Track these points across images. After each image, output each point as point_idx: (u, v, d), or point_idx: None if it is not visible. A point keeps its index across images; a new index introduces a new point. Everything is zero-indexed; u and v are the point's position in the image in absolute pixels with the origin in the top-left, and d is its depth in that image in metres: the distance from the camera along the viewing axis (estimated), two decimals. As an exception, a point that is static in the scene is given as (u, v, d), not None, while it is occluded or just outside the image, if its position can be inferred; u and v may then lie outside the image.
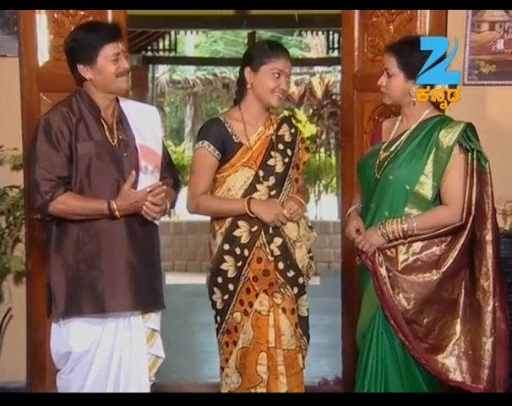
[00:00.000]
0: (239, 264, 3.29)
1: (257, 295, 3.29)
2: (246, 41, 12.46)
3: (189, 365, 5.34)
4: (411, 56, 3.09)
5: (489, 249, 3.11)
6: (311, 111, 13.48)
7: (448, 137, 3.09)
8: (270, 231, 3.29)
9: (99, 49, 3.03)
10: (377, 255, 3.13)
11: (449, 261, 3.10)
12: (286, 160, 3.37)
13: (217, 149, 3.30)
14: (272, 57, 3.29)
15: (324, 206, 13.31)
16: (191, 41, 19.34)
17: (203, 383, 4.86)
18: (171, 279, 9.06)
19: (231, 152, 3.31)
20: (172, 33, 11.62)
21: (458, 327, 3.13)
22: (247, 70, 3.32)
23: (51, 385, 4.02)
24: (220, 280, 3.33)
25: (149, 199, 3.06)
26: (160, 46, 11.79)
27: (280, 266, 3.29)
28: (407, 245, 3.12)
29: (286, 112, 11.51)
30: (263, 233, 3.28)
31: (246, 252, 3.28)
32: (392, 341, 3.14)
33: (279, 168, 3.34)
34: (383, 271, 3.11)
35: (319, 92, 13.37)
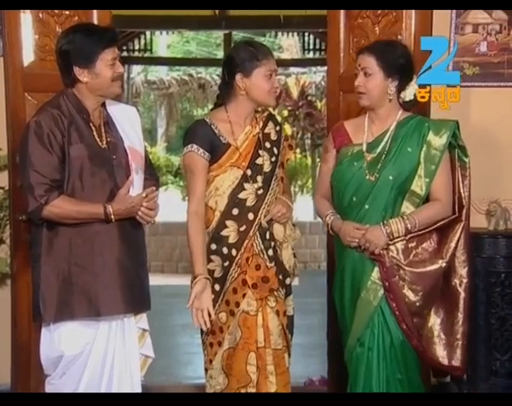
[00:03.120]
0: (226, 264, 3.28)
1: (244, 295, 3.28)
2: (219, 41, 12.39)
3: (173, 367, 5.32)
4: (388, 54, 3.19)
5: (462, 239, 3.23)
6: (286, 112, 13.47)
7: (439, 135, 3.17)
8: (267, 236, 3.28)
9: (99, 53, 3.02)
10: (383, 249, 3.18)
11: (450, 251, 3.21)
12: (273, 158, 3.36)
13: (206, 151, 3.29)
14: (263, 60, 3.28)
15: (300, 207, 13.32)
16: (164, 42, 19.24)
17: (188, 384, 4.85)
18: (148, 280, 8.99)
19: (220, 153, 3.30)
20: (148, 33, 11.54)
21: (432, 315, 3.26)
22: (239, 76, 3.28)
23: (36, 387, 4.00)
24: (208, 280, 3.34)
25: (144, 204, 3.07)
26: (136, 47, 11.71)
27: (274, 270, 3.30)
28: (405, 242, 3.19)
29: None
30: (260, 239, 3.27)
31: (234, 252, 3.27)
32: (391, 340, 3.20)
33: (266, 167, 3.33)
34: (391, 262, 3.17)
35: (295, 93, 13.38)
